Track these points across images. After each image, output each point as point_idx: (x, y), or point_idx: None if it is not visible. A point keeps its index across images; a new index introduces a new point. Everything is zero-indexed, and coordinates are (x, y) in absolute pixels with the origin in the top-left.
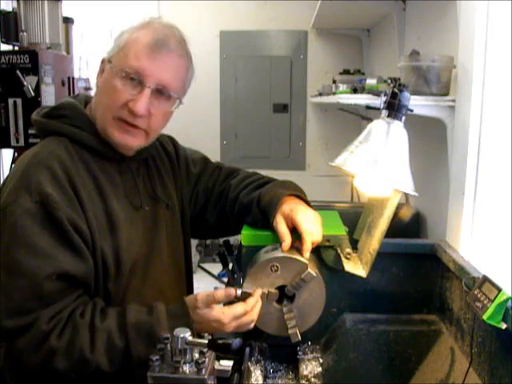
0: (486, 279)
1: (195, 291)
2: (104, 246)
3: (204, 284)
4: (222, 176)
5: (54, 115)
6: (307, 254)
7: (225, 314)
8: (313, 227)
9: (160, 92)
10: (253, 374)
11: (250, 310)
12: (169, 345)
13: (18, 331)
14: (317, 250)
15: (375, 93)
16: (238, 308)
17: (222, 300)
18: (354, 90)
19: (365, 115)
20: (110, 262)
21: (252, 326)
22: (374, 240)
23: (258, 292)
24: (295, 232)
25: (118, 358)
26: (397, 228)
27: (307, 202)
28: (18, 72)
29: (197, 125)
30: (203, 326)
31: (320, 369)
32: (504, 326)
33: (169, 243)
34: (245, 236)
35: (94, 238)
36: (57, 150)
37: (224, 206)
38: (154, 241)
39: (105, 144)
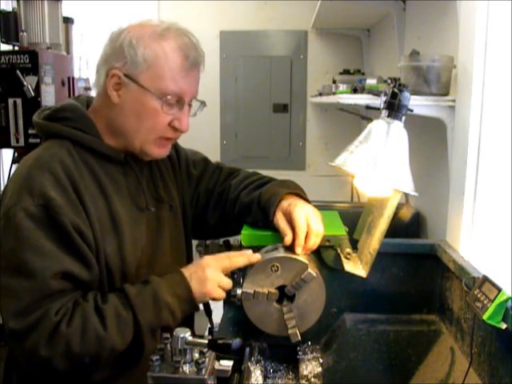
0: (486, 279)
1: None
2: (107, 247)
3: None
4: (222, 176)
5: (55, 117)
6: (299, 249)
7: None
8: (312, 223)
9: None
10: (253, 374)
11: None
12: (169, 345)
13: (29, 329)
14: (317, 250)
15: (375, 93)
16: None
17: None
18: (354, 90)
19: (365, 115)
20: (115, 264)
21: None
22: (373, 240)
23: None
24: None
25: (128, 329)
26: (397, 228)
27: (307, 201)
28: (18, 72)
29: (197, 125)
30: (200, 284)
31: (320, 369)
32: (504, 326)
33: (172, 244)
34: (245, 236)
35: (97, 241)
36: (59, 153)
37: (224, 207)
38: (158, 242)
39: (109, 146)
